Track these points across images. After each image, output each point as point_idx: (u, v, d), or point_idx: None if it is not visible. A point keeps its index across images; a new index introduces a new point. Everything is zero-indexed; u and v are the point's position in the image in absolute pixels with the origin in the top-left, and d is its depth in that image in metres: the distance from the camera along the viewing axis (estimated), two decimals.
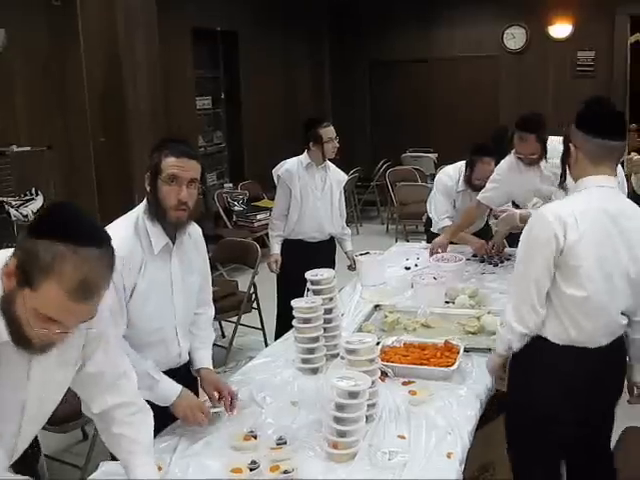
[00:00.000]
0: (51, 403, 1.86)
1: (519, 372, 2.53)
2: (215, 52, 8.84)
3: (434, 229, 4.83)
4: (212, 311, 2.77)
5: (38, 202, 4.98)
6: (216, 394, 2.51)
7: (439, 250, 4.36)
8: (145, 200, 2.40)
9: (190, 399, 2.41)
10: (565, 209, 2.33)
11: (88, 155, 4.02)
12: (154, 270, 2.38)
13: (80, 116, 4.65)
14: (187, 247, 2.50)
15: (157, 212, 2.35)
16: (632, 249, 2.35)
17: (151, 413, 2.05)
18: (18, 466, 1.86)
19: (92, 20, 3.68)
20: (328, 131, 4.47)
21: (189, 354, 2.63)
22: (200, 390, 2.60)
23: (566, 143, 2.48)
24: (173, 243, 2.43)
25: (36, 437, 2.09)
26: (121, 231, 2.31)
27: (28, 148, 5.10)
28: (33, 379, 1.71)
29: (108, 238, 1.57)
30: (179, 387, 2.40)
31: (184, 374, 2.59)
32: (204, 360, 2.63)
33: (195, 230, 2.56)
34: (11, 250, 1.55)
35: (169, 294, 2.45)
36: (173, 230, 2.40)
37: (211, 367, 2.63)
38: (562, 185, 2.59)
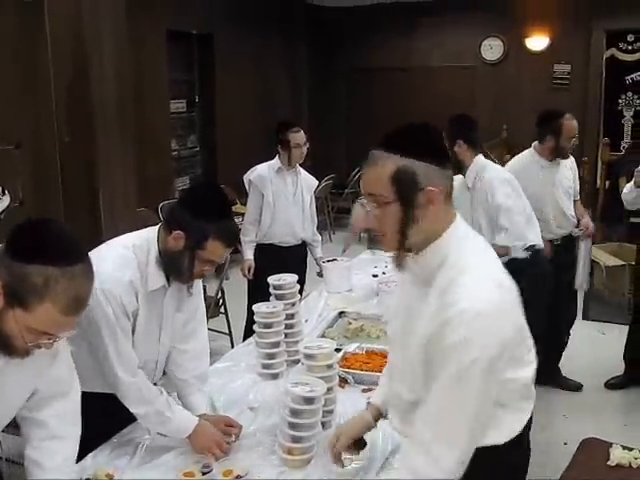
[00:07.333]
0: (10, 409, 1.86)
1: None
2: (190, 55, 8.79)
3: None
4: (199, 343, 2.54)
5: (5, 201, 4.86)
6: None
7: None
8: (158, 242, 2.21)
9: (207, 433, 2.25)
10: None
11: (54, 155, 3.96)
12: (146, 305, 2.24)
13: (48, 116, 4.58)
14: (182, 287, 2.33)
15: (171, 268, 2.19)
16: None
17: (70, 441, 1.97)
18: None
19: (59, 20, 3.64)
20: (297, 137, 4.41)
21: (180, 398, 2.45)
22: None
23: None
24: (169, 284, 2.28)
25: None
26: (127, 256, 2.18)
27: None
28: None
29: (85, 250, 1.61)
30: (194, 421, 2.26)
31: None
32: (197, 407, 2.41)
33: None
34: None
35: (157, 333, 2.32)
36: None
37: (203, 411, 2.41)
38: None
